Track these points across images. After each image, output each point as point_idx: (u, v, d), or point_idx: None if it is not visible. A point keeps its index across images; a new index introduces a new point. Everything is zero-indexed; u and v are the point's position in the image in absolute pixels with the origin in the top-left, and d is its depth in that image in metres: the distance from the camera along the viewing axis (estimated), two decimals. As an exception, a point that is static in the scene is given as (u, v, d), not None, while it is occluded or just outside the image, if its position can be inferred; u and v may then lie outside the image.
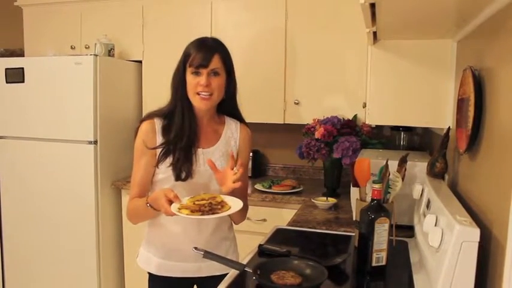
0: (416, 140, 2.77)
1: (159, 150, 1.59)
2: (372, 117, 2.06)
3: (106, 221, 2.98)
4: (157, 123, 1.62)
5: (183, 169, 1.57)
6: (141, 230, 3.01)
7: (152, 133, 1.61)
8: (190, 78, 1.58)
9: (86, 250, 2.94)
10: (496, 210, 1.13)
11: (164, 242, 1.68)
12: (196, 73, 1.56)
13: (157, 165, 1.60)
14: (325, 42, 2.79)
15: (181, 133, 1.59)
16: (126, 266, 3.10)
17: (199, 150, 1.63)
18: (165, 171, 1.59)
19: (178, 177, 1.57)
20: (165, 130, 1.61)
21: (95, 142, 2.86)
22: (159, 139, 1.60)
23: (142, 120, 1.67)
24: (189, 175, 1.58)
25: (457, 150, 1.55)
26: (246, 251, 1.62)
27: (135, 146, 1.63)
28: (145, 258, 1.73)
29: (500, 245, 1.07)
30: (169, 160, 1.58)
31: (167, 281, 1.69)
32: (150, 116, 1.65)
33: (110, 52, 3.13)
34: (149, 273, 1.74)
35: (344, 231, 1.94)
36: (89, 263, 2.94)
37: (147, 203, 1.53)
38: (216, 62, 1.57)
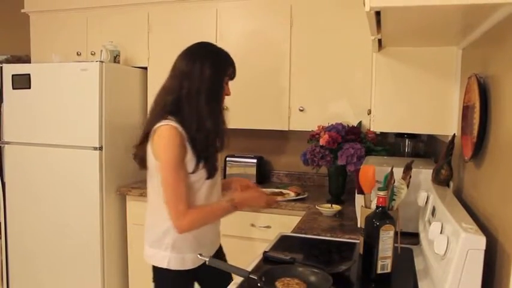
0: (421, 147, 2.76)
1: (194, 158, 1.61)
2: (377, 124, 2.06)
3: (111, 227, 2.98)
4: (183, 132, 1.60)
5: (215, 167, 1.68)
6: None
7: (183, 142, 1.60)
8: (225, 86, 1.73)
9: (90, 256, 2.94)
10: (502, 218, 1.13)
11: (194, 235, 1.69)
12: (227, 83, 1.74)
13: (194, 171, 1.62)
14: (329, 49, 2.80)
15: (216, 134, 1.68)
16: (130, 272, 3.10)
17: None
18: (198, 174, 1.63)
19: (211, 175, 1.66)
20: (201, 136, 1.63)
21: (100, 148, 2.87)
22: (189, 148, 1.61)
23: (164, 127, 1.60)
24: (217, 171, 1.70)
25: (462, 158, 1.55)
26: (250, 257, 1.62)
27: (173, 156, 1.57)
28: (180, 259, 1.69)
29: (506, 253, 1.06)
30: (203, 162, 1.63)
31: (191, 271, 1.72)
32: (171, 124, 1.60)
33: (116, 58, 3.15)
34: (176, 271, 1.70)
35: (349, 238, 1.93)
36: (93, 268, 2.94)
37: (235, 206, 1.66)
38: None
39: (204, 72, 1.64)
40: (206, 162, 1.63)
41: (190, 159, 1.61)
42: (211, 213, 1.69)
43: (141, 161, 1.71)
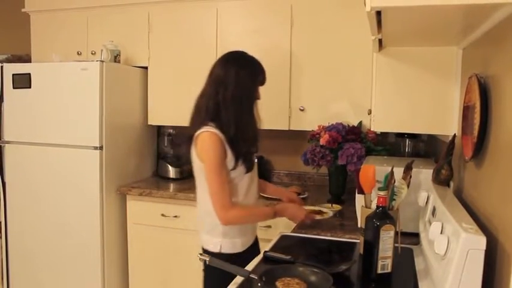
0: (421, 147, 2.76)
1: (233, 157, 1.80)
2: (377, 124, 2.06)
3: (111, 227, 2.98)
4: (222, 136, 1.79)
5: (251, 162, 1.89)
6: (145, 236, 3.02)
7: (223, 146, 1.79)
8: (257, 91, 1.94)
9: (90, 255, 2.94)
10: (502, 218, 1.13)
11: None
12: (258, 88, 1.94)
13: (234, 168, 1.81)
14: (330, 49, 2.79)
15: (255, 134, 1.90)
16: (130, 272, 3.10)
17: None
18: (237, 170, 1.83)
19: (249, 170, 1.87)
20: (237, 137, 1.81)
21: (101, 148, 2.87)
22: (228, 149, 1.80)
23: (205, 134, 1.79)
24: (253, 166, 1.92)
25: (463, 158, 1.55)
26: (250, 257, 1.62)
27: (215, 159, 1.77)
28: (231, 244, 1.88)
29: (506, 253, 1.06)
30: (241, 160, 1.83)
31: (241, 253, 1.91)
32: (212, 130, 1.79)
33: (116, 58, 3.15)
34: (228, 254, 1.87)
35: (349, 238, 1.93)
36: (93, 268, 2.94)
37: (275, 213, 1.89)
38: None
39: (238, 79, 1.83)
40: (244, 160, 1.83)
41: (230, 159, 1.80)
42: (254, 214, 1.94)
43: (187, 159, 1.96)
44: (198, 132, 1.81)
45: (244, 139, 1.83)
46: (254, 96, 1.91)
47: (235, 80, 1.82)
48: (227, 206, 1.79)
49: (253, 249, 1.99)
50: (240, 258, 1.88)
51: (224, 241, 1.88)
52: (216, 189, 1.78)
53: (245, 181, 1.89)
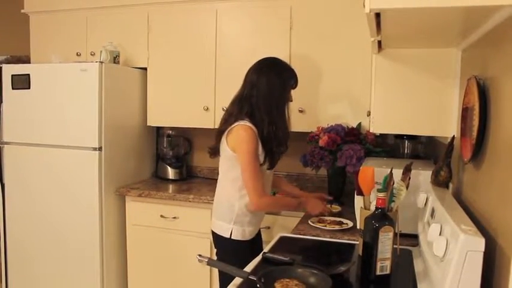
0: (420, 149, 2.76)
1: (263, 152, 2.01)
2: (376, 126, 2.06)
3: (110, 228, 2.98)
4: (256, 131, 1.99)
5: (276, 161, 2.09)
6: (144, 237, 3.02)
7: (257, 139, 1.98)
8: (288, 95, 2.13)
9: (89, 256, 2.94)
10: (501, 220, 1.13)
11: (252, 214, 2.08)
12: (290, 92, 2.14)
13: (262, 164, 2.01)
14: (329, 51, 2.79)
15: (285, 134, 2.09)
16: (129, 273, 3.10)
17: None
18: (263, 165, 2.03)
19: (272, 167, 2.09)
20: (269, 135, 2.01)
21: (100, 148, 2.87)
22: (260, 144, 2.00)
23: (241, 126, 1.98)
24: (276, 164, 2.11)
25: (462, 159, 1.55)
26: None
27: (251, 149, 1.96)
28: (241, 231, 2.06)
29: (505, 255, 1.06)
30: (268, 156, 2.03)
31: (248, 241, 2.10)
32: (247, 124, 1.98)
33: (115, 59, 3.14)
34: (237, 241, 2.06)
35: (348, 239, 1.94)
36: (92, 269, 2.94)
37: (298, 205, 2.13)
38: None
39: (270, 84, 2.02)
40: (270, 157, 2.03)
41: (260, 153, 2.00)
42: (282, 203, 2.25)
43: (214, 151, 2.13)
44: (233, 125, 1.99)
45: (275, 138, 2.02)
46: (286, 99, 2.10)
47: (267, 85, 2.01)
48: (260, 192, 1.97)
49: (257, 238, 2.20)
50: (247, 246, 2.10)
51: (235, 228, 2.06)
52: (251, 177, 1.95)
53: (264, 176, 2.07)
